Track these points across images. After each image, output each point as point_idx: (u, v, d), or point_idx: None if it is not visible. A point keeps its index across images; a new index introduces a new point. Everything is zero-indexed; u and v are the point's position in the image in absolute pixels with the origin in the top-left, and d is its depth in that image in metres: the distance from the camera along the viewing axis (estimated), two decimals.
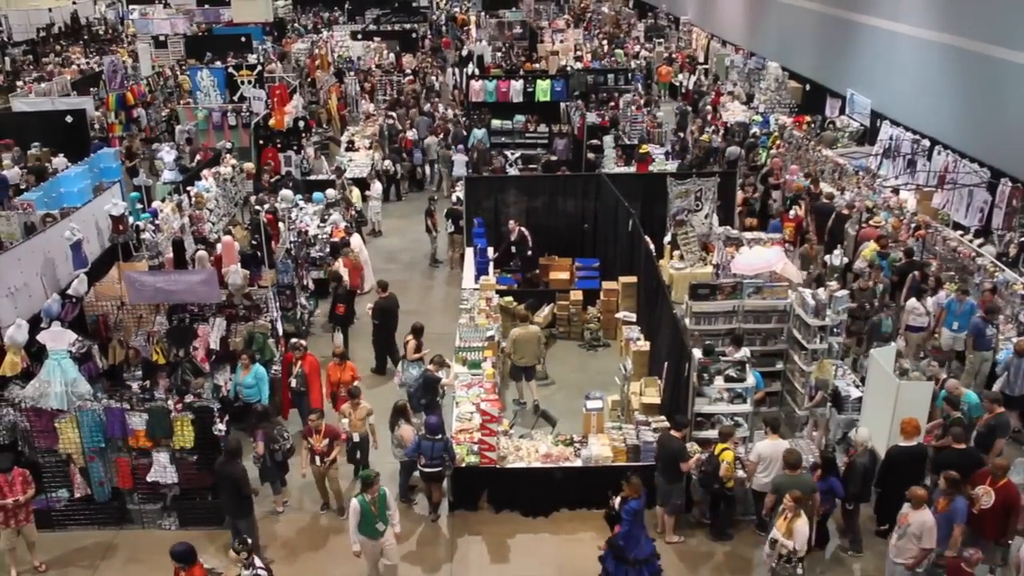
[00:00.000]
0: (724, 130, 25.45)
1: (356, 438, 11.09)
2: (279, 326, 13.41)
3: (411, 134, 24.65)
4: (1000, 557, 9.53)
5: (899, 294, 14.61)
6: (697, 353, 11.31)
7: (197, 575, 8.54)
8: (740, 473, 10.41)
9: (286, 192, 18.27)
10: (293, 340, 12.48)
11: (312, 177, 22.03)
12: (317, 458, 10.76)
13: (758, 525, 10.54)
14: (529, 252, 16.54)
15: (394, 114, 27.67)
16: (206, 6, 50.68)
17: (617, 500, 9.51)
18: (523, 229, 16.47)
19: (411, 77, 34.25)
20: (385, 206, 21.82)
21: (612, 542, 9.30)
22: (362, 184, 21.20)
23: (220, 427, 10.61)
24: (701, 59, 39.70)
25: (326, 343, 14.79)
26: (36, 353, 11.18)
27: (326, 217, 18.00)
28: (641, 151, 22.42)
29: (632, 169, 21.99)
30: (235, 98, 25.48)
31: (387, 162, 23.54)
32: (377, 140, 24.84)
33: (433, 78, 33.73)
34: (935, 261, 15.72)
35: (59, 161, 20.34)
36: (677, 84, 35.29)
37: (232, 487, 9.93)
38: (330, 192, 19.19)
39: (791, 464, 9.50)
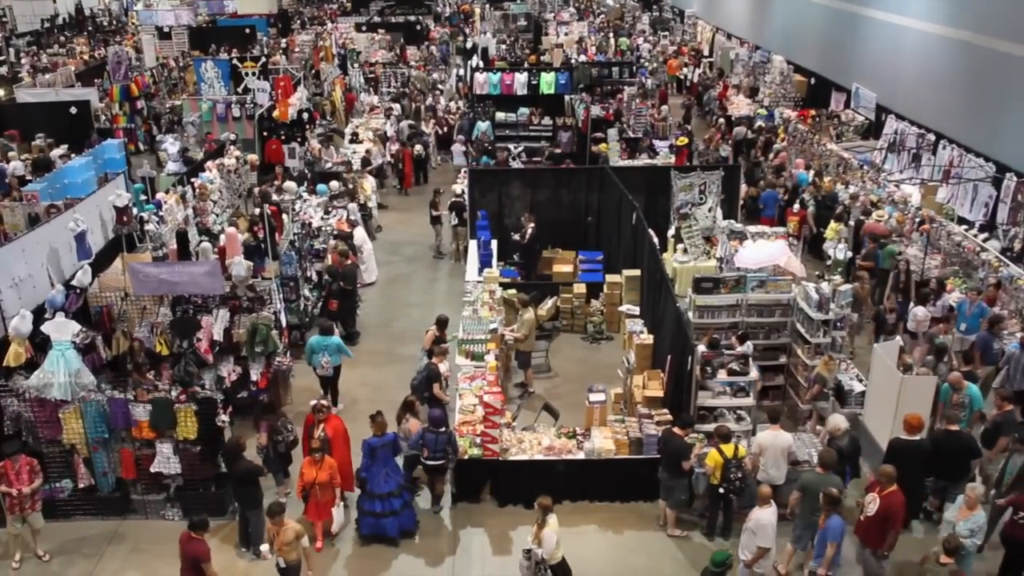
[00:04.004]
0: (728, 122, 25.55)
1: (283, 564, 9.13)
2: (283, 318, 13.43)
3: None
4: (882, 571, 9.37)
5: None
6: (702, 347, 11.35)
7: None
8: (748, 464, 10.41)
9: (290, 184, 18.27)
10: (314, 402, 10.79)
11: (325, 168, 22.05)
12: None
13: None
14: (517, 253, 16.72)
15: (397, 106, 27.68)
16: None
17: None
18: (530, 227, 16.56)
19: (422, 64, 34.31)
20: (390, 199, 21.91)
21: (357, 473, 10.28)
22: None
23: (223, 418, 10.64)
24: (706, 52, 39.61)
25: None
26: (40, 344, 11.19)
27: (330, 209, 17.99)
28: (679, 143, 22.51)
29: (635, 162, 21.98)
30: (239, 90, 25.46)
31: (418, 147, 24.01)
32: (379, 135, 24.84)
33: (435, 75, 33.64)
34: (939, 255, 15.71)
35: (56, 152, 20.33)
36: (682, 78, 35.21)
37: (244, 478, 10.02)
38: (334, 184, 19.19)
39: (824, 463, 9.48)
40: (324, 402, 10.85)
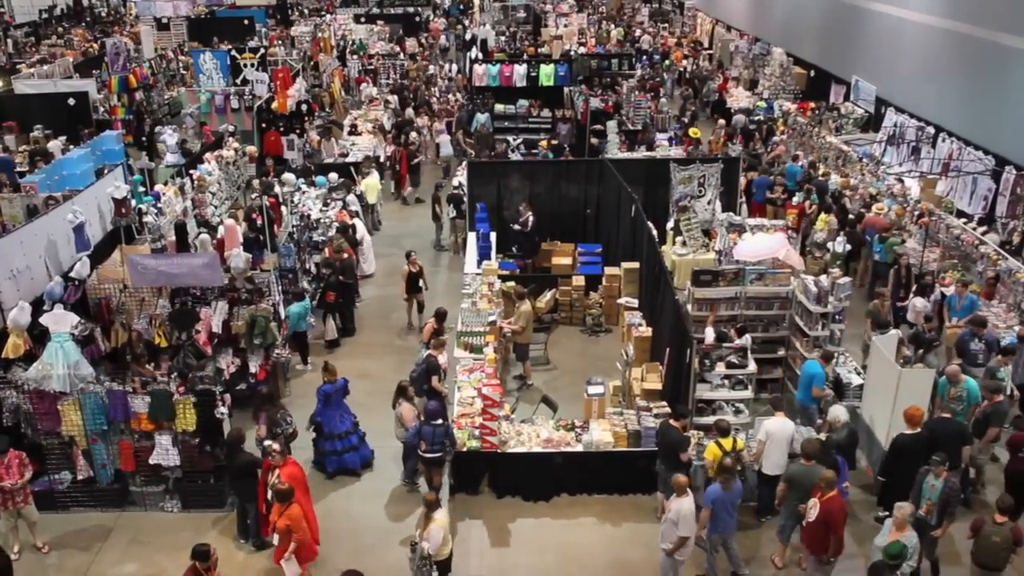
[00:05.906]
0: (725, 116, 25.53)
1: None
2: (281, 310, 13.43)
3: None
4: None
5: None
6: (710, 335, 11.30)
7: None
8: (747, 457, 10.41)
9: (288, 176, 18.25)
10: (266, 443, 9.99)
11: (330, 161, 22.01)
12: None
13: (758, 511, 10.58)
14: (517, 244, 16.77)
15: (394, 98, 27.62)
16: None
17: None
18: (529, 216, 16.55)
19: (422, 52, 34.25)
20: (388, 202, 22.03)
21: (311, 417, 11.40)
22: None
23: (222, 410, 10.65)
24: (706, 44, 39.55)
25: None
26: (39, 335, 11.20)
27: (328, 201, 17.98)
28: (692, 134, 22.54)
29: (634, 155, 21.96)
30: (238, 81, 25.41)
31: (412, 135, 23.88)
32: (379, 127, 24.80)
33: (433, 68, 33.53)
34: (938, 248, 15.72)
35: (54, 144, 20.29)
36: (682, 69, 35.14)
37: (243, 472, 10.03)
38: (332, 176, 19.17)
39: (807, 454, 9.45)
40: (275, 446, 9.73)
